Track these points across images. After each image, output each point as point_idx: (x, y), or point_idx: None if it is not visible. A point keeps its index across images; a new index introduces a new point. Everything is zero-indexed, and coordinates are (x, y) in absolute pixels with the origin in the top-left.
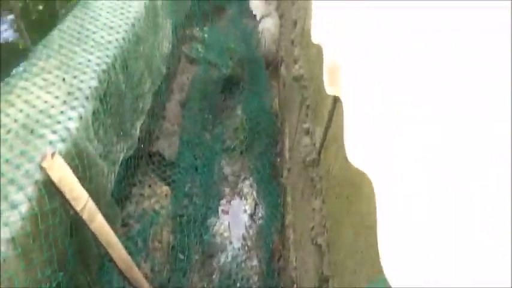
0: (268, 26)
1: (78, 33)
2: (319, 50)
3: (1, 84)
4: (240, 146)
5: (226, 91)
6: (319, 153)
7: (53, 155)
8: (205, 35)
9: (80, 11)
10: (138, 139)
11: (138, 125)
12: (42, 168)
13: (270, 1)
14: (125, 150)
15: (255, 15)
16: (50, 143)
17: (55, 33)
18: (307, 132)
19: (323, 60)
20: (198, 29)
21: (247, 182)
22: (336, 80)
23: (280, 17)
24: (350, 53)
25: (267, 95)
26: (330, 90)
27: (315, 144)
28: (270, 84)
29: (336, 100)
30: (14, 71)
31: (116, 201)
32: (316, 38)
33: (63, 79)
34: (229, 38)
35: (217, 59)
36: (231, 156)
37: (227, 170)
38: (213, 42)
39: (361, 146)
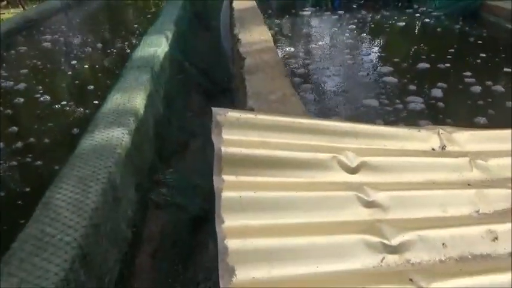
0: None
1: (39, 239)
2: None
3: None
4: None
5: (196, 229)
6: None
7: None
8: (170, 177)
9: (40, 212)
10: None
11: None
12: None
13: None
14: None
15: None
16: None
17: (16, 245)
18: None
19: None
20: (161, 173)
21: None
22: None
23: None
24: None
25: None
26: None
27: None
28: None
29: None
30: None
31: None
32: None
33: None
34: (193, 175)
35: (184, 200)
36: None
37: None
38: (178, 182)
39: None
